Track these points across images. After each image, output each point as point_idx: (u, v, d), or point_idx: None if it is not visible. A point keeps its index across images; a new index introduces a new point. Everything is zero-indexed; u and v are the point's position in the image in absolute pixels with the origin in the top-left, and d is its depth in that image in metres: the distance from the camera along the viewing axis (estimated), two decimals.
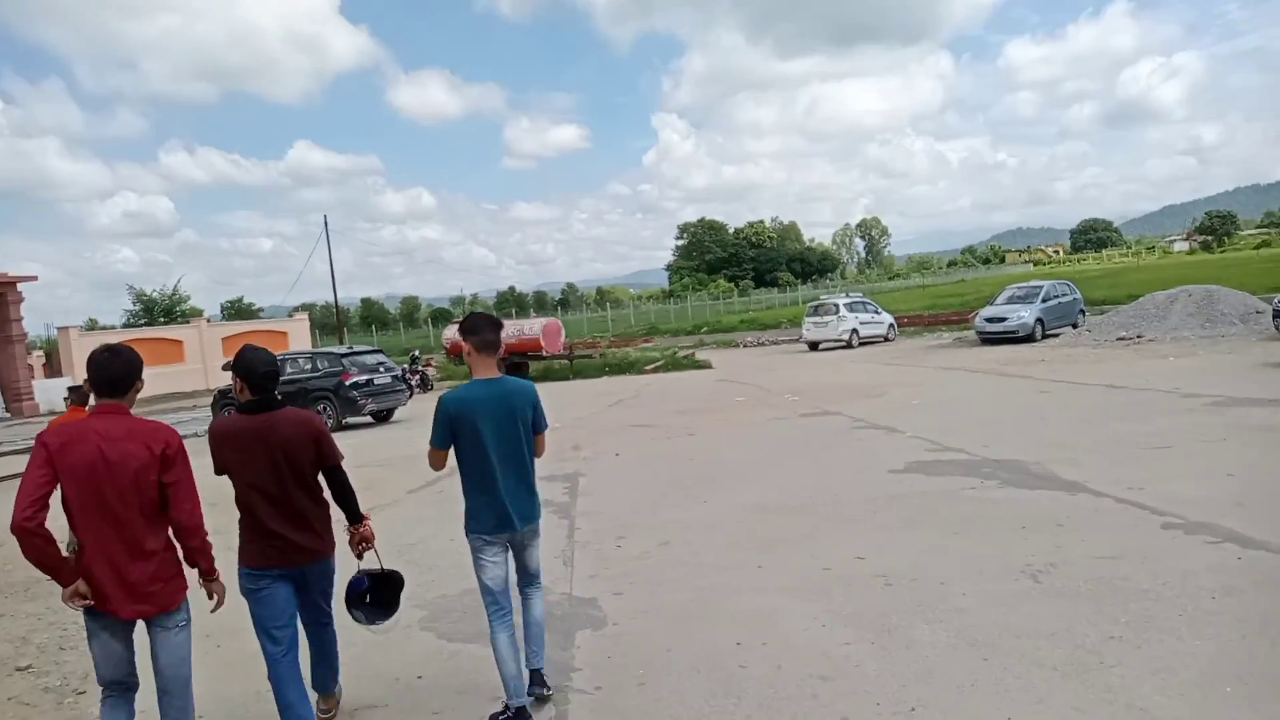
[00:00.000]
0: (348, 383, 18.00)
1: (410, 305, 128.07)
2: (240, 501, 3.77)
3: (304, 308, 65.17)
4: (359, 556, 4.10)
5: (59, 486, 3.12)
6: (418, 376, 25.24)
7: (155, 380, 34.16)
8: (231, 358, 3.96)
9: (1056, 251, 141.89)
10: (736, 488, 8.75)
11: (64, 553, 3.22)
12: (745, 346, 35.19)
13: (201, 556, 3.45)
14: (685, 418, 14.83)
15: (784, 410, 14.59)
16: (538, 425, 4.08)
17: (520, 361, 25.54)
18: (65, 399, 8.76)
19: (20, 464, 15.16)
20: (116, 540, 3.18)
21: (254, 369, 3.76)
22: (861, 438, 11.16)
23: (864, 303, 31.18)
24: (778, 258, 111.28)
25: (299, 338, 41.39)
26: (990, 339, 24.04)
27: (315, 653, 4.13)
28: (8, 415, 30.42)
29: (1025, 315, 23.73)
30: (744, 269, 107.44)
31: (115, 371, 3.32)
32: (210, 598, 3.57)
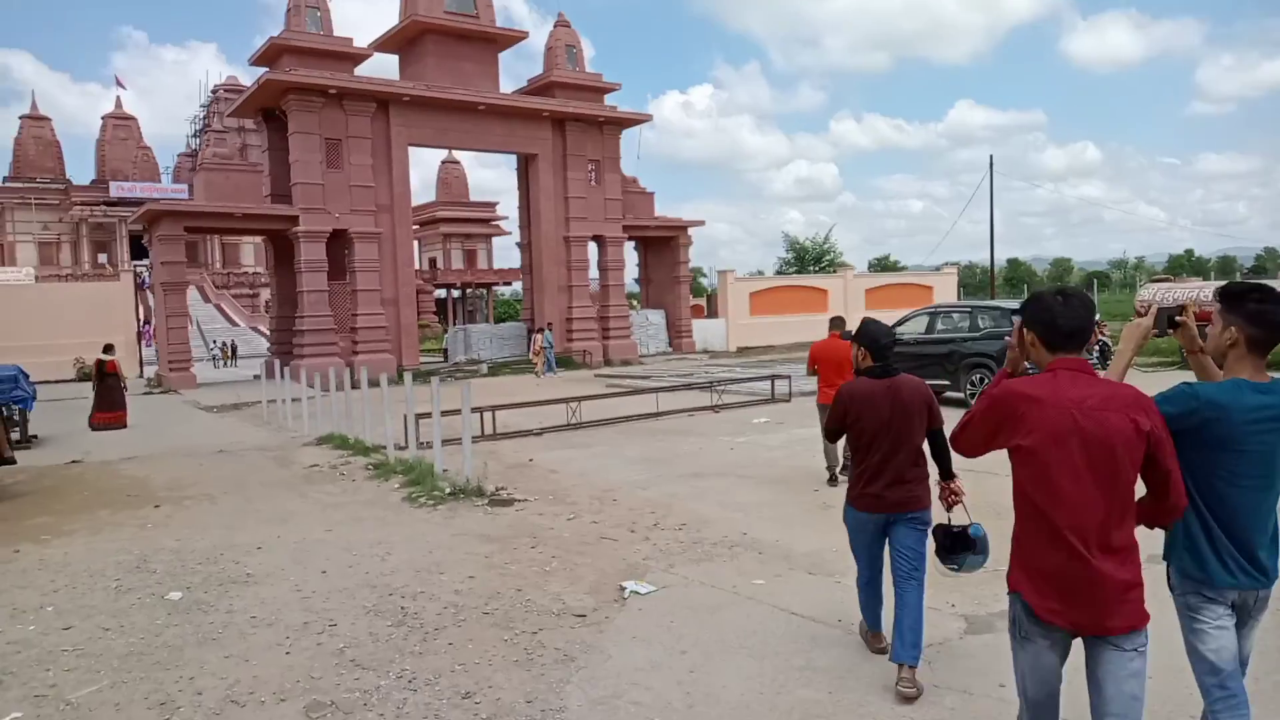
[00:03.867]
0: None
1: (1061, 267, 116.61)
2: (860, 456, 4.25)
3: (948, 265, 61.39)
4: (948, 509, 4.22)
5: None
6: (1098, 346, 19.68)
7: (798, 328, 34.00)
8: (854, 328, 4.55)
9: None
10: None
11: None
12: None
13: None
14: None
15: None
16: None
17: None
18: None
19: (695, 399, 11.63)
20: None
21: (877, 339, 4.30)
22: None
23: None
24: None
25: (945, 293, 38.26)
26: None
27: (899, 610, 4.12)
28: (670, 350, 32.84)
29: None
30: None
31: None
32: None
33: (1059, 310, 2.58)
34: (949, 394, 14.97)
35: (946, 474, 4.28)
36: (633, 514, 8.03)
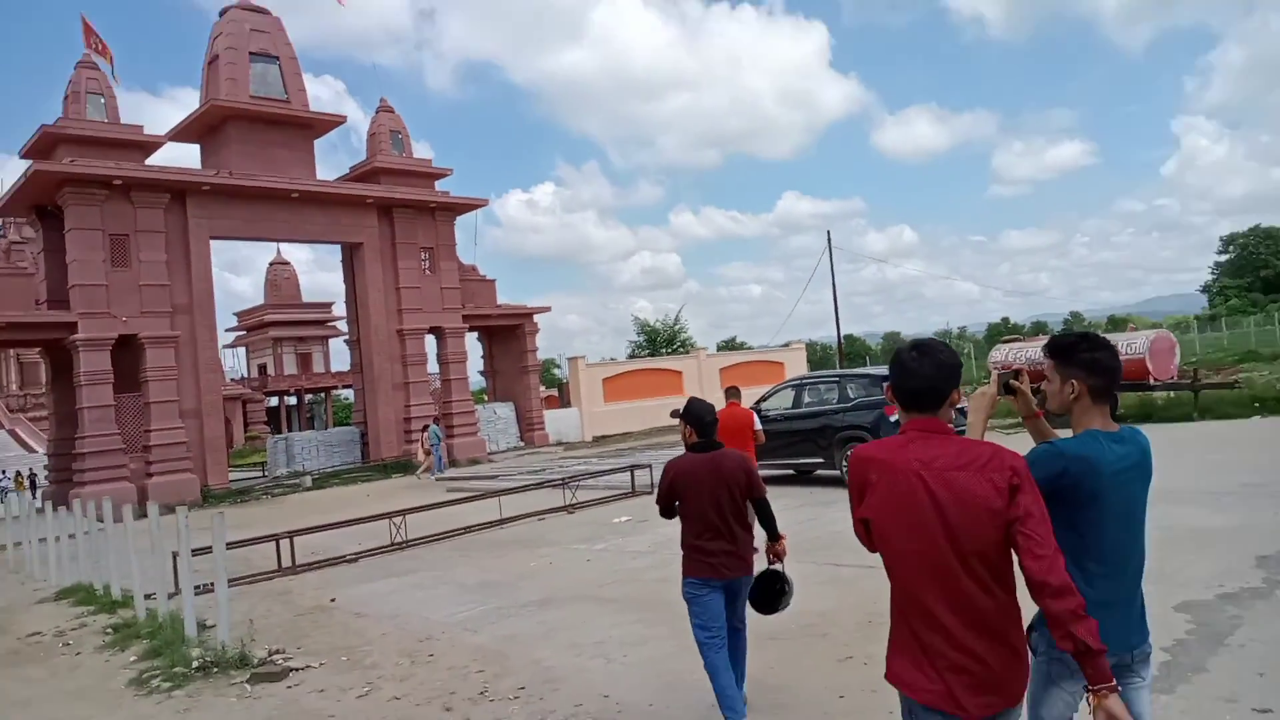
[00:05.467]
0: (893, 419, 12.30)
1: (892, 340, 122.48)
2: (690, 526, 4.50)
3: (795, 342, 62.31)
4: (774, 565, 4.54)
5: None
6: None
7: (655, 412, 32.55)
8: (682, 406, 4.71)
9: None
10: None
11: None
12: None
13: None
14: None
15: None
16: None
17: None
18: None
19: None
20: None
21: (701, 417, 4.61)
22: None
23: None
24: None
25: (795, 368, 37.98)
26: None
27: (732, 659, 4.51)
28: (522, 444, 30.58)
29: None
30: None
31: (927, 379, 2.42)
32: None
33: (910, 368, 2.38)
34: (824, 472, 13.59)
35: (773, 536, 4.61)
36: (453, 676, 5.87)
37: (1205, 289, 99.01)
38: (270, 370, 68.34)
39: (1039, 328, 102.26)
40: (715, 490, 4.39)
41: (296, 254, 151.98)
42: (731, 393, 9.83)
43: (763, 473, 10.36)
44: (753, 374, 36.09)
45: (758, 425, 10.21)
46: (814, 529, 9.98)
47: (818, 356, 52.60)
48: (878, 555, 2.37)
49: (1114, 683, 2.12)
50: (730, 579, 4.45)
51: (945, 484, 2.20)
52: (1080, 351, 2.54)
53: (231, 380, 65.57)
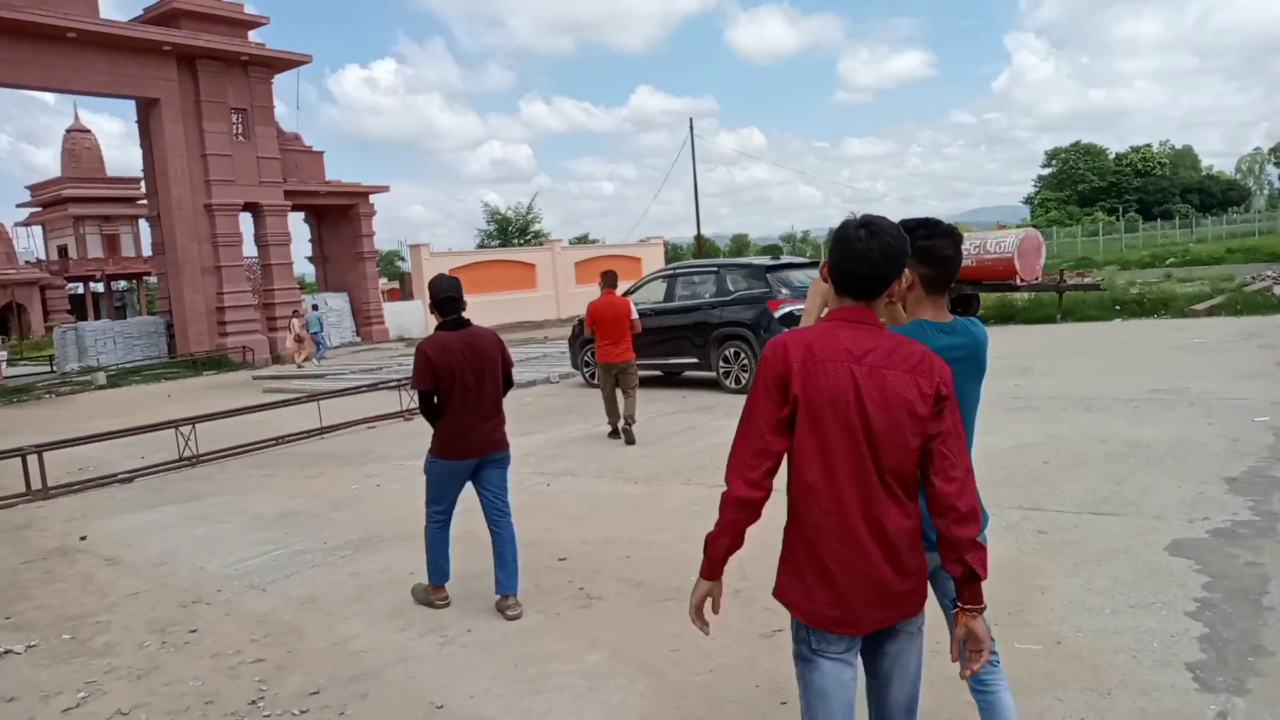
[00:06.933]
0: (777, 313, 11.00)
1: (740, 242, 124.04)
2: (446, 402, 4.44)
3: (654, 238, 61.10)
4: None
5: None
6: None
7: (506, 307, 30.54)
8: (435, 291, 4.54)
9: None
10: None
11: None
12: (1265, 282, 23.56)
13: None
14: None
15: None
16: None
17: (969, 295, 17.32)
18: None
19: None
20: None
21: (439, 294, 4.49)
22: None
23: None
24: (1170, 188, 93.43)
25: (653, 264, 36.54)
26: None
27: (500, 545, 4.53)
28: (358, 339, 27.92)
29: None
30: (1126, 200, 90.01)
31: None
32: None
33: (856, 248, 2.07)
34: (699, 373, 12.24)
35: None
36: (216, 671, 4.08)
37: (1027, 200, 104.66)
38: (72, 253, 60.73)
39: None
40: (471, 365, 4.40)
41: (104, 125, 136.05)
42: (608, 279, 9.08)
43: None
44: (611, 267, 34.46)
45: (634, 314, 9.06)
46: (697, 441, 8.60)
47: (673, 255, 51.98)
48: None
49: (984, 605, 2.05)
50: (490, 454, 4.54)
51: (875, 382, 1.98)
52: (917, 238, 2.34)
53: (26, 263, 58.18)
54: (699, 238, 40.32)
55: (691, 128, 37.42)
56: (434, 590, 4.63)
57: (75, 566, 6.04)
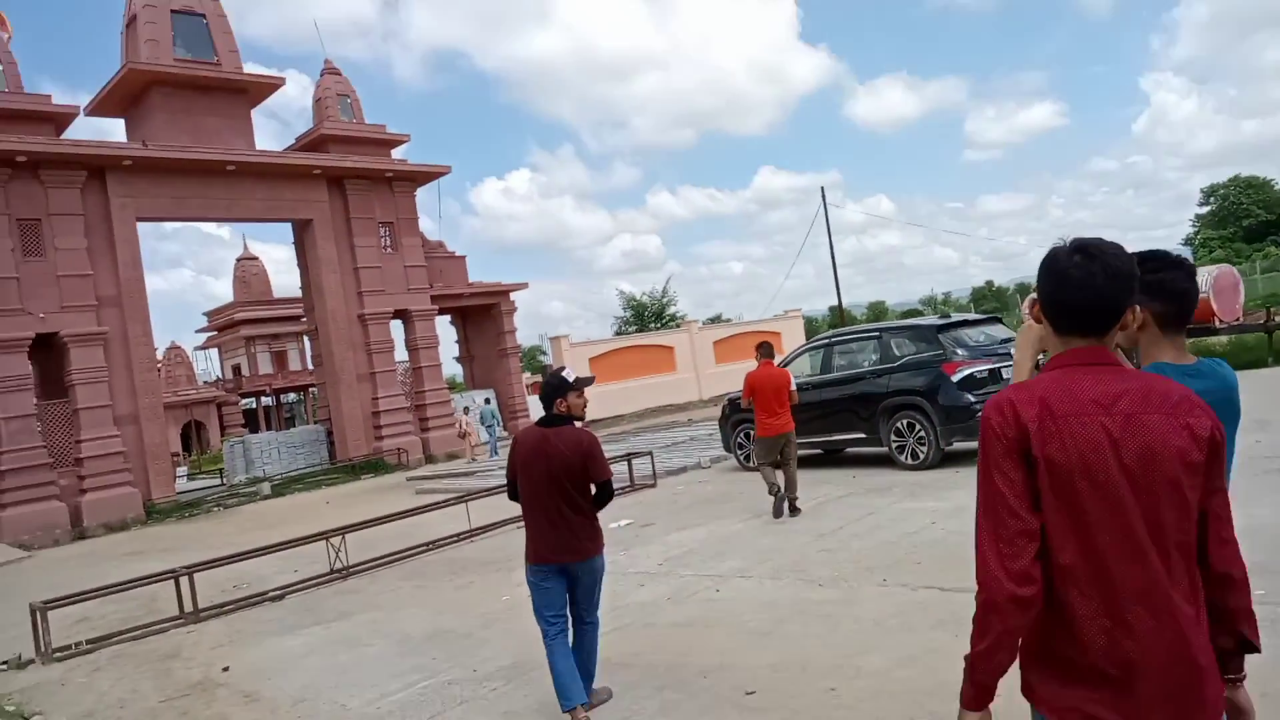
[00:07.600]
0: (955, 377, 9.83)
1: (877, 309, 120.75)
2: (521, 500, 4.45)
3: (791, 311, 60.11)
4: None
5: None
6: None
7: (647, 391, 30.12)
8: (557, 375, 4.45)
9: None
10: None
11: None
12: None
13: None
14: None
15: None
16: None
17: None
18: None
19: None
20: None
21: (543, 386, 4.44)
22: None
23: None
24: None
25: (794, 339, 35.46)
26: None
27: (577, 652, 4.32)
28: (506, 434, 28.02)
29: None
30: None
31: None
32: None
33: (1072, 276, 1.73)
34: (863, 449, 11.11)
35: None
36: None
37: (1187, 241, 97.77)
38: (245, 371, 65.48)
39: (1024, 289, 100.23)
40: (548, 470, 4.23)
41: (271, 253, 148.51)
42: (764, 349, 8.72)
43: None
44: (751, 346, 33.64)
45: (793, 385, 8.44)
46: (883, 530, 7.50)
47: (810, 328, 50.79)
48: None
49: (1245, 674, 1.81)
50: (566, 564, 4.28)
51: (1136, 433, 1.64)
52: (1145, 273, 1.96)
53: (205, 383, 62.94)
54: (839, 307, 38.96)
55: (824, 196, 36.66)
56: (572, 717, 4.15)
57: (213, 706, 5.57)
